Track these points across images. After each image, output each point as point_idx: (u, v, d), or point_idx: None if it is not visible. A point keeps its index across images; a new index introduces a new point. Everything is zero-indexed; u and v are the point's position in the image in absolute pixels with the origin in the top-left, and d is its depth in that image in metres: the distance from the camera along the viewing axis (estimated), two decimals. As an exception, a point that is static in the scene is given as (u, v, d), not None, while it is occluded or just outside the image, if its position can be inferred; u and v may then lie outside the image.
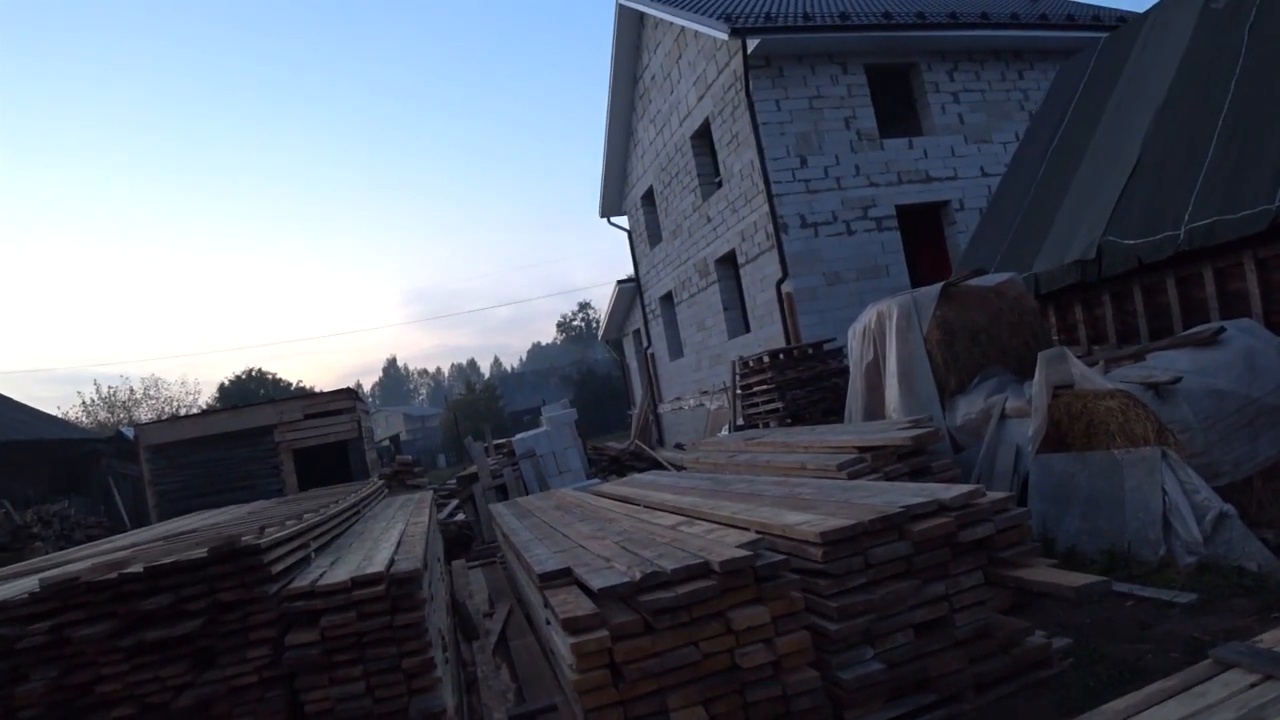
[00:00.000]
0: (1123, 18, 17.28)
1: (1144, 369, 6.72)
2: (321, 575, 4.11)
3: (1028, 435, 6.89)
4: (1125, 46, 10.87)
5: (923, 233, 16.05)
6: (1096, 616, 5.03)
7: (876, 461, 6.74)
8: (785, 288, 14.66)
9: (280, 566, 4.18)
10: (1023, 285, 9.01)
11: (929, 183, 15.58)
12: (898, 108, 16.58)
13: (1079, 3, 19.18)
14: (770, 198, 14.57)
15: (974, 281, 8.88)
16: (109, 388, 46.15)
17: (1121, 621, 4.91)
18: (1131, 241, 8.37)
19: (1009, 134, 15.91)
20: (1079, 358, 7.00)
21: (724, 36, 14.69)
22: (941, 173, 15.68)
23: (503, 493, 12.93)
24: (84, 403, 44.17)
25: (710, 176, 17.75)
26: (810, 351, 11.95)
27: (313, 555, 4.95)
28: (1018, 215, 11.01)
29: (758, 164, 14.73)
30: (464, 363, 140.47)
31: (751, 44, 14.35)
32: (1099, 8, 18.43)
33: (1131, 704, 2.48)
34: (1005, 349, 8.34)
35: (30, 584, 4.20)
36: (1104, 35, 12.97)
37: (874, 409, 9.06)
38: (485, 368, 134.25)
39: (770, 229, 14.73)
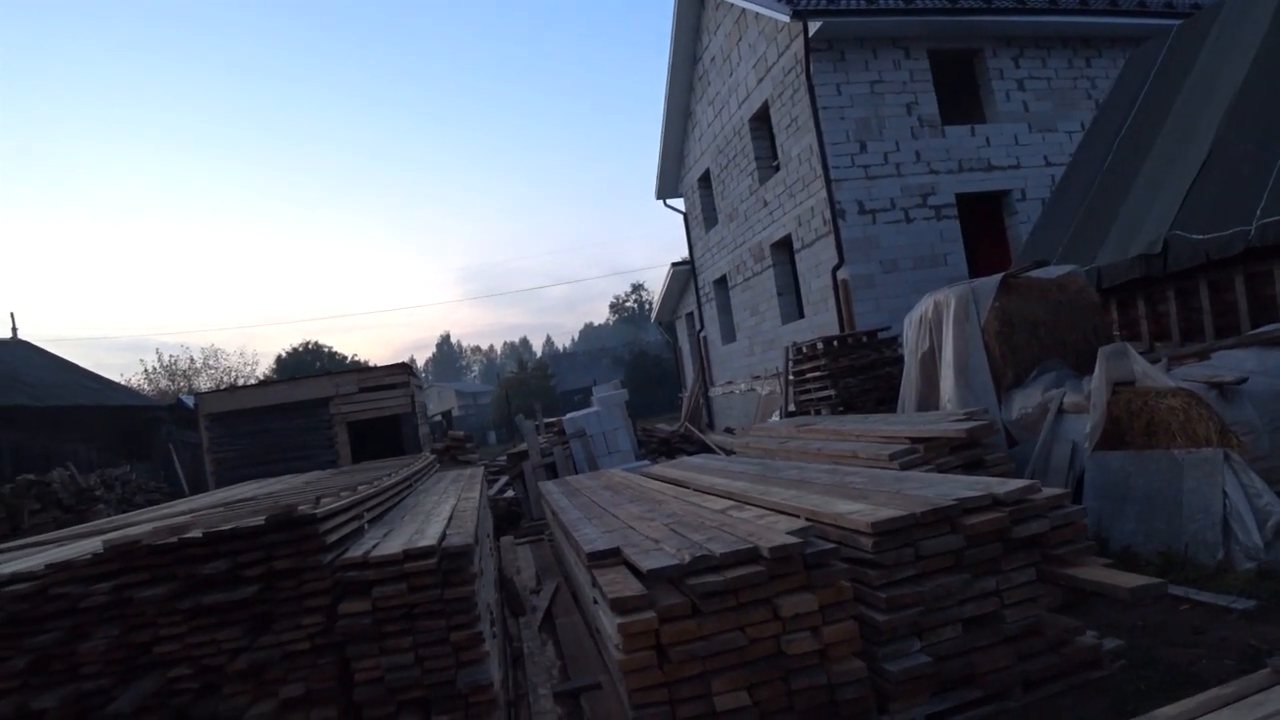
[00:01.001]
0: (1197, 5, 16.78)
1: (1208, 368, 6.59)
2: (375, 546, 4.19)
3: (1085, 431, 6.78)
4: (1199, 35, 10.58)
5: (982, 222, 15.80)
6: (1149, 619, 4.94)
7: (929, 453, 6.68)
8: (841, 274, 14.54)
9: (335, 537, 4.27)
10: (1085, 278, 8.85)
11: (990, 171, 15.32)
12: (961, 94, 16.30)
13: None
14: (828, 183, 14.43)
15: (1035, 273, 8.74)
16: (170, 356, 47.21)
17: (1175, 625, 4.82)
18: (1200, 236, 8.18)
19: (1074, 123, 15.57)
20: (1141, 354, 6.86)
21: (785, 19, 14.53)
22: (1004, 161, 15.40)
23: (552, 471, 13.03)
24: (146, 371, 45.21)
25: (768, 160, 17.62)
26: (864, 339, 11.85)
27: (366, 526, 5.05)
28: (1081, 207, 10.80)
29: (816, 148, 14.59)
30: (516, 341, 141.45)
31: (813, 26, 14.19)
32: (1174, -6, 17.92)
33: (1185, 710, 2.45)
34: (1064, 343, 8.20)
35: (94, 545, 4.33)
36: (1177, 23, 12.61)
37: (928, 399, 8.97)
38: (537, 346, 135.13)
39: (827, 214, 14.60)
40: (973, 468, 6.64)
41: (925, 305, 9.05)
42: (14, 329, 26.12)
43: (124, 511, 12.82)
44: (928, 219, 14.88)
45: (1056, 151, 15.44)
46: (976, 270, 14.47)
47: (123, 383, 31.42)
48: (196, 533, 4.02)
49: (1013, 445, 7.76)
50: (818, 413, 11.68)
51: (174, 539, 3.99)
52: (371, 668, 3.84)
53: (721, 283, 21.41)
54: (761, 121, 17.44)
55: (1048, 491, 4.64)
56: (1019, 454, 7.57)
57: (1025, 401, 7.79)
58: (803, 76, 14.64)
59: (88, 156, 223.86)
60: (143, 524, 5.42)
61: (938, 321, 8.73)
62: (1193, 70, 10.23)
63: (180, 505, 7.82)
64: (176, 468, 20.94)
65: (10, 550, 5.52)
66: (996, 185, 15.38)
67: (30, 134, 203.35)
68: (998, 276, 8.53)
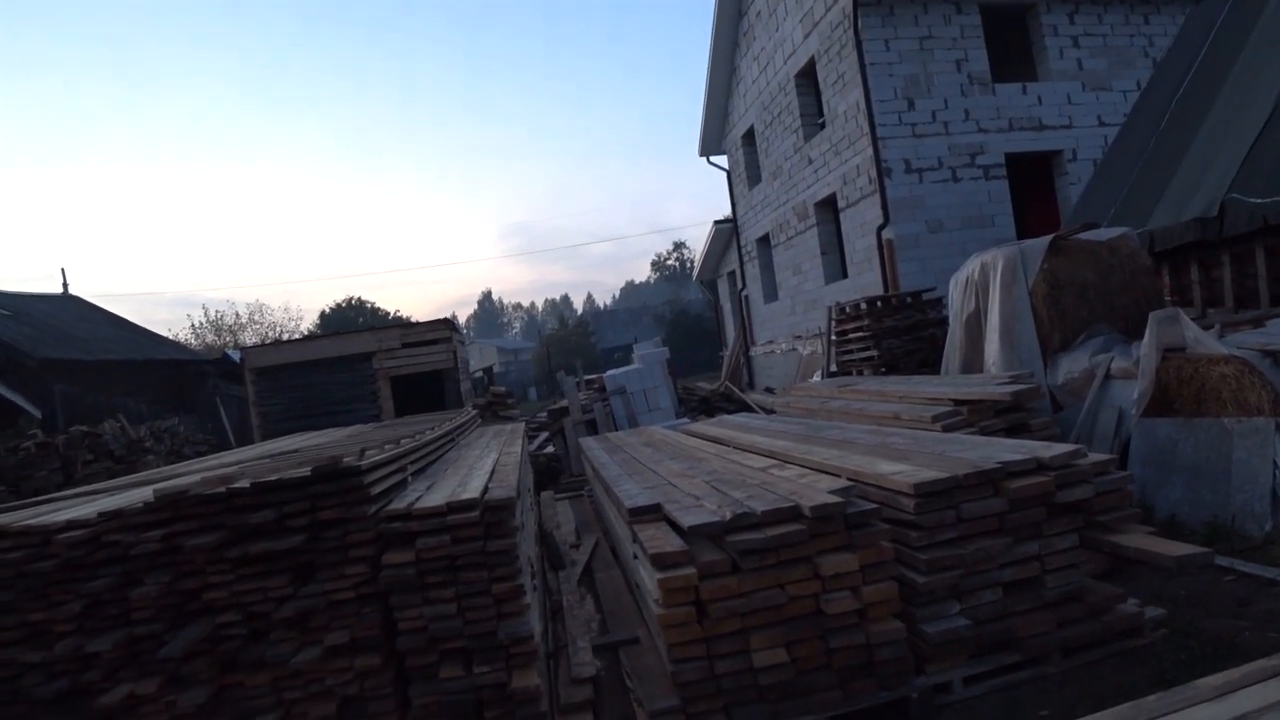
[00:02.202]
0: (1264, -41, 16.23)
1: (1263, 335, 6.44)
2: (418, 499, 4.25)
3: (1132, 398, 6.68)
4: (1265, -8, 10.22)
5: (1032, 183, 15.49)
6: (1193, 589, 4.88)
7: (972, 416, 6.61)
8: (886, 234, 14.35)
9: (379, 488, 4.33)
10: (1136, 241, 8.66)
11: (1041, 131, 14.98)
12: (1012, 51, 15.91)
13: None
14: (875, 141, 14.21)
15: (1085, 235, 8.57)
16: (216, 312, 47.77)
17: (1219, 596, 4.76)
18: (1258, 200, 7.96)
19: (1130, 82, 15.15)
20: (1193, 320, 6.72)
21: (835, -28, 14.27)
22: (1055, 121, 15.05)
23: (592, 427, 13.11)
24: (193, 325, 45.90)
25: (813, 117, 17.36)
26: (909, 300, 11.73)
27: (409, 479, 5.11)
28: (1135, 168, 10.55)
29: (863, 105, 14.36)
30: (558, 298, 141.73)
31: (863, -20, 13.91)
32: (1239, -52, 17.33)
33: (1228, 681, 2.41)
34: (1114, 307, 8.05)
35: (144, 494, 4.43)
36: (1243, -22, 12.21)
37: (972, 362, 8.87)
38: (579, 304, 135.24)
39: (873, 173, 14.39)
40: (1016, 432, 6.57)
41: (972, 266, 8.92)
42: (64, 285, 26.60)
43: (173, 463, 13.10)
44: (975, 179, 14.62)
45: (1110, 111, 15.05)
46: (1024, 232, 14.22)
47: (170, 338, 31.94)
48: (244, 483, 4.09)
49: (1057, 410, 7.66)
50: (860, 373, 11.60)
51: (222, 489, 4.06)
52: (414, 618, 3.90)
53: (764, 241, 21.24)
54: (807, 78, 17.17)
55: (1093, 457, 4.57)
56: (1064, 419, 7.48)
57: (1072, 366, 7.68)
58: (850, 31, 14.37)
59: (138, 111, 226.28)
60: (191, 474, 5.53)
61: (984, 283, 8.61)
62: (1256, 28, 9.89)
63: (228, 456, 7.97)
64: (223, 420, 21.33)
65: (64, 499, 5.67)
66: (1047, 145, 15.06)
67: (81, 90, 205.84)
68: (1047, 238, 8.38)
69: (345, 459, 4.20)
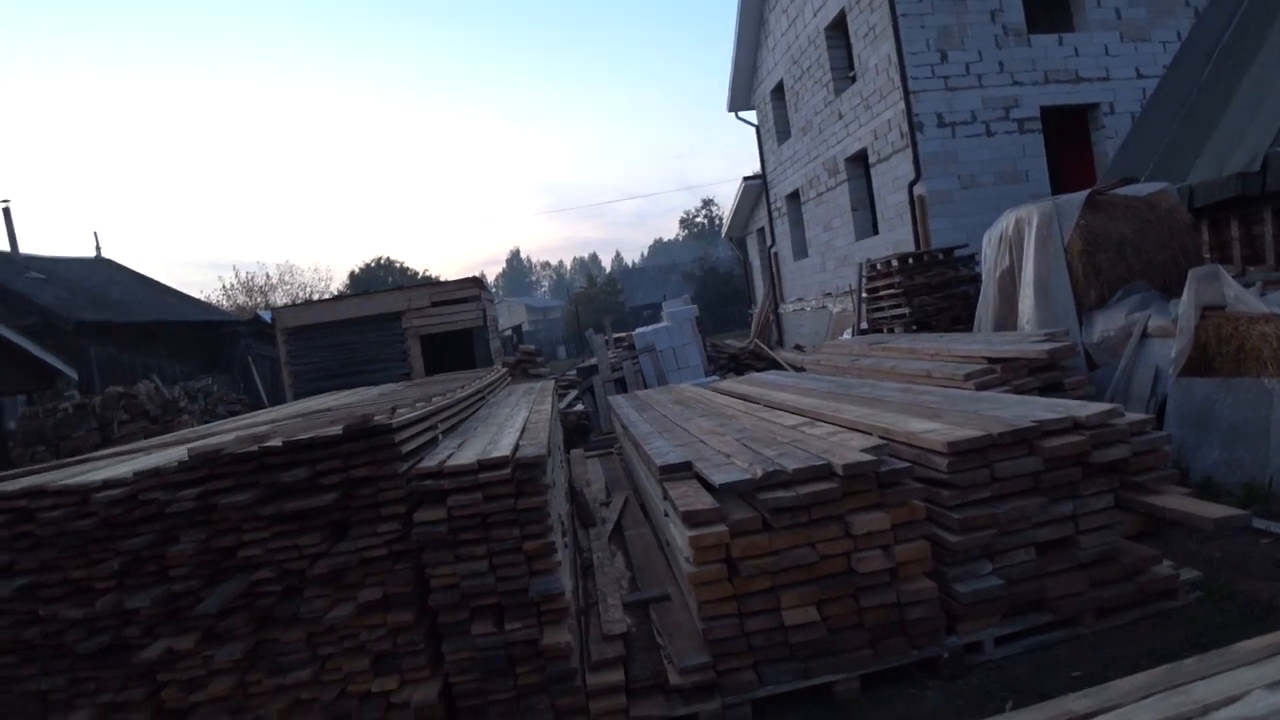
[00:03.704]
0: (1314, -97, 15.70)
1: (1306, 292, 6.31)
2: (449, 456, 4.26)
3: (1169, 357, 6.57)
4: (1315, -64, 9.89)
5: (1068, 137, 15.19)
6: (1229, 552, 4.83)
7: (1006, 373, 6.54)
8: (918, 190, 14.15)
9: (410, 446, 4.34)
10: (1175, 197, 8.48)
11: (1078, 83, 14.64)
12: (1049, 1, 15.55)
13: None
14: (906, 94, 13.95)
15: (1122, 190, 8.41)
16: (247, 273, 48.10)
17: (1256, 559, 4.71)
18: (1304, 153, 7.76)
19: (1170, 33, 14.74)
20: (1233, 278, 6.58)
21: (867, -78, 13.96)
22: (1092, 73, 14.70)
23: (621, 385, 13.11)
24: (224, 287, 46.27)
25: (844, 71, 17.07)
26: (941, 257, 11.58)
27: (440, 437, 5.13)
28: (1175, 121, 10.30)
29: (895, 58, 14.08)
30: (586, 256, 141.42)
31: (896, -71, 13.59)
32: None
33: (1266, 645, 2.36)
34: (1151, 264, 7.91)
35: (180, 453, 4.47)
36: (1291, -77, 11.82)
37: (1005, 319, 8.76)
38: (607, 262, 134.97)
39: (905, 128, 14.16)
40: (1051, 390, 6.49)
41: (1005, 222, 8.78)
42: (98, 248, 26.82)
43: (207, 422, 13.27)
44: (1010, 133, 14.34)
45: (1149, 63, 14.68)
46: (1060, 187, 13.95)
47: (202, 299, 32.18)
48: (277, 442, 4.12)
49: (1093, 369, 7.56)
50: (891, 331, 11.51)
51: (255, 448, 4.09)
52: (447, 574, 3.93)
53: (794, 198, 21.02)
54: (838, 30, 16.86)
55: (1130, 417, 4.51)
56: (1099, 378, 7.38)
57: (1108, 324, 7.56)
58: (883, -18, 14.08)
59: (168, 76, 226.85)
60: (225, 434, 5.58)
61: (1018, 239, 8.48)
62: (1304, -26, 9.60)
63: (261, 416, 8.04)
64: (255, 380, 21.53)
65: (101, 459, 5.75)
66: (1084, 98, 14.72)
67: (114, 52, 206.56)
68: (1083, 193, 8.23)
69: (376, 417, 4.21)
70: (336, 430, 4.09)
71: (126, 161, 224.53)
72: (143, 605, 3.99)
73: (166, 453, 5.09)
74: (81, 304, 19.52)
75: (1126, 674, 2.46)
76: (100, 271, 24.60)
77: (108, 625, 4.10)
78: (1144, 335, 7.13)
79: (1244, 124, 8.92)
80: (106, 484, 4.18)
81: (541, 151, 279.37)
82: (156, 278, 26.93)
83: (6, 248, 20.74)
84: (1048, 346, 6.63)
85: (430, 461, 4.18)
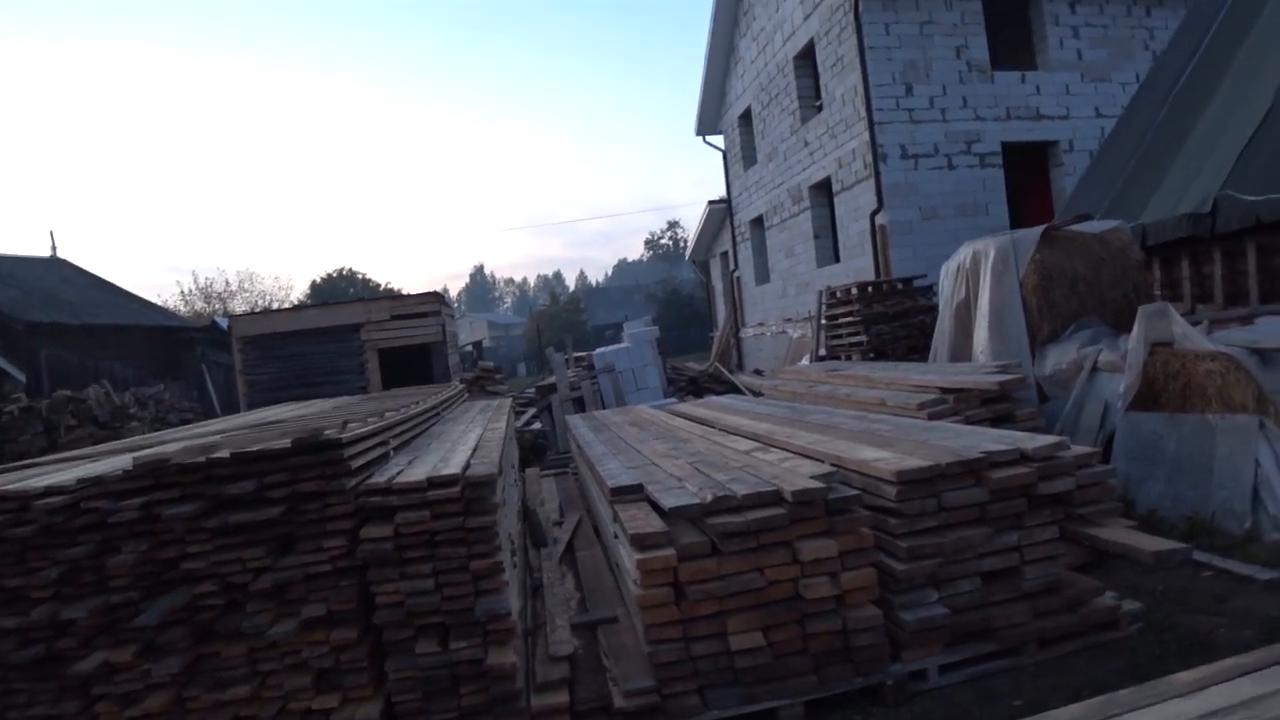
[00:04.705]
0: (1268, -45, 16.16)
1: (1251, 333, 6.45)
2: (399, 473, 4.23)
3: (1118, 391, 6.69)
4: (1267, -11, 10.17)
5: (1027, 173, 15.47)
6: (1170, 584, 4.91)
7: (959, 404, 6.62)
8: (879, 219, 14.32)
9: (360, 462, 4.30)
10: (1129, 235, 8.66)
11: (1039, 120, 14.94)
12: (1012, 39, 15.84)
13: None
14: (871, 125, 14.15)
15: (1078, 227, 8.56)
16: (206, 279, 47.45)
17: (1196, 592, 4.78)
18: (1252, 198, 7.95)
19: (1129, 75, 15.11)
20: (1182, 316, 6.72)
21: (837, -46, 14.17)
22: (1053, 111, 15.01)
23: (580, 405, 13.10)
24: (182, 292, 45.71)
25: (811, 100, 17.27)
26: (900, 286, 11.73)
27: (391, 453, 5.09)
28: (1130, 161, 10.53)
29: (861, 89, 14.28)
30: (550, 274, 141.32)
31: (866, -37, 13.81)
32: (1243, -58, 17.23)
33: (1201, 677, 2.41)
34: (1104, 300, 8.06)
35: (125, 462, 4.39)
36: (1245, -27, 12.16)
37: (961, 350, 8.88)
38: (571, 280, 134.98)
39: (869, 158, 14.34)
40: (1002, 421, 6.57)
41: (964, 254, 8.91)
42: (53, 247, 26.39)
43: (157, 430, 13.06)
44: (971, 167, 14.58)
45: (1108, 103, 15.02)
46: (1018, 222, 14.19)
47: (159, 303, 31.73)
48: (224, 453, 4.06)
49: (1044, 401, 7.67)
50: (848, 358, 11.61)
51: (203, 458, 4.03)
52: (392, 592, 3.89)
53: (758, 223, 21.19)
54: (806, 59, 17.08)
55: (1076, 449, 4.59)
56: (1050, 410, 7.49)
57: (1060, 357, 7.69)
58: (851, 14, 14.28)
59: (132, 73, 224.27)
60: (174, 443, 5.50)
61: (975, 271, 8.60)
62: (1256, 26, 9.85)
63: (211, 425, 7.94)
64: (209, 388, 21.23)
65: (45, 464, 5.63)
66: (1044, 135, 15.03)
67: (78, 49, 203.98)
68: (1039, 228, 8.37)
69: (326, 431, 4.17)
70: (285, 443, 4.04)
71: (86, 160, 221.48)
72: (80, 616, 3.89)
73: (112, 460, 5.00)
74: (34, 304, 19.18)
75: (1066, 703, 2.49)
76: (55, 271, 24.19)
77: (42, 636, 3.99)
78: (1094, 369, 7.25)
79: (1196, 167, 9.13)
80: (49, 491, 4.10)
81: (511, 167, 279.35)
82: (113, 280, 26.48)
83: (-43, 245, 20.33)
84: (1000, 378, 6.72)
85: (380, 478, 4.14)
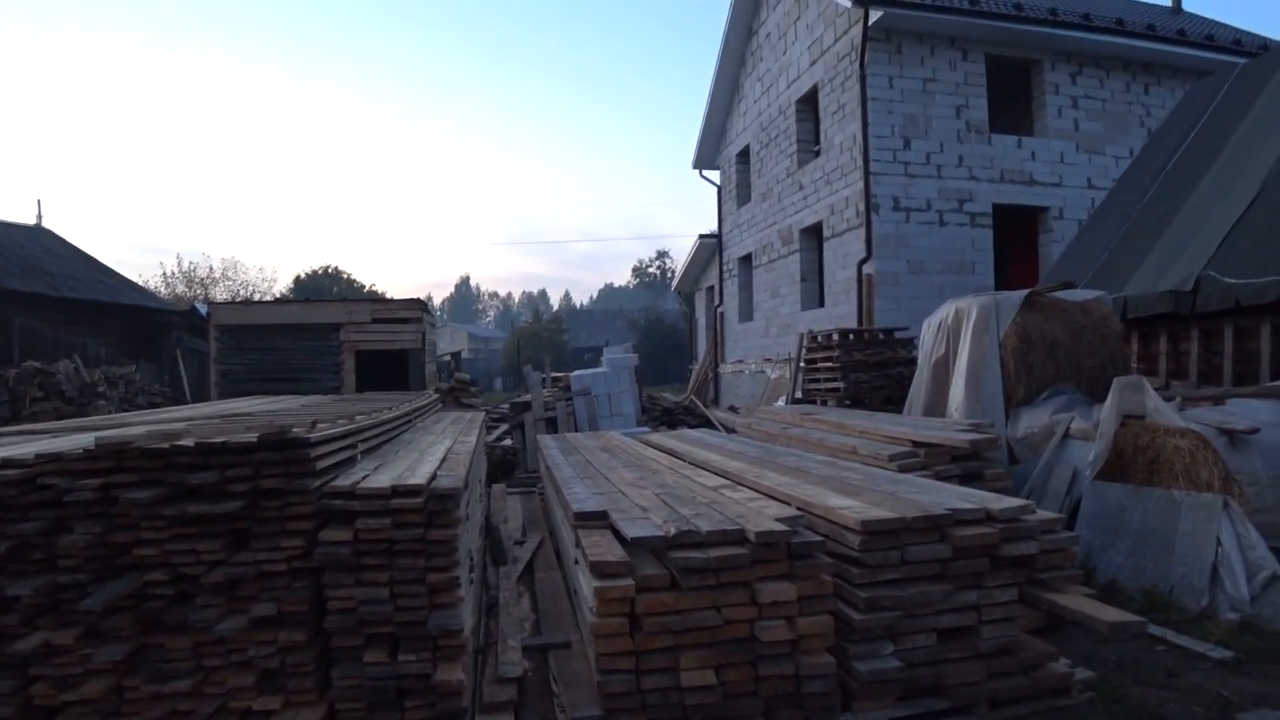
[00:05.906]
0: (1265, 45, 16.49)
1: (1222, 413, 6.52)
2: (364, 478, 4.18)
3: (1088, 459, 6.73)
4: (1263, 76, 10.39)
5: (1016, 235, 15.66)
6: (1124, 656, 4.93)
7: (929, 458, 6.63)
8: (867, 268, 14.43)
9: (326, 463, 4.25)
10: (1110, 306, 8.76)
11: (1031, 185, 15.15)
12: (1012, 104, 16.08)
13: (1221, 23, 18.33)
14: (867, 175, 14.30)
15: (1061, 294, 8.65)
16: (190, 263, 47.04)
17: (1149, 665, 4.81)
18: (1233, 280, 8.07)
19: (1123, 148, 15.37)
20: (1156, 390, 6.79)
21: (847, 4, 14.35)
22: (1046, 177, 15.23)
23: (552, 425, 13.05)
24: (165, 274, 45.30)
25: (810, 144, 17.44)
26: (881, 336, 11.79)
27: (359, 457, 5.04)
28: (1118, 234, 10.67)
29: (860, 139, 14.44)
30: (535, 291, 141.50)
31: (874, 15, 14.00)
32: (1241, 31, 17.58)
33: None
34: (1081, 368, 8.13)
35: (87, 440, 4.32)
36: (1242, 61, 12.40)
37: (936, 405, 8.92)
38: (555, 300, 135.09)
39: (861, 207, 14.48)
40: (970, 479, 6.59)
41: (946, 311, 8.97)
42: (39, 216, 26.17)
43: (124, 410, 12.91)
44: (961, 224, 14.75)
45: (1101, 174, 15.25)
46: (1004, 283, 14.35)
47: (140, 283, 31.46)
48: (189, 441, 4.01)
49: (1014, 463, 7.72)
50: (824, 403, 11.64)
51: (166, 444, 3.98)
52: (346, 598, 3.83)
53: (746, 260, 21.30)
54: (808, 104, 17.25)
55: (1042, 514, 4.59)
56: (1019, 472, 7.53)
57: (1033, 421, 7.74)
58: (856, 64, 14.46)
59: (136, 52, 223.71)
60: (139, 426, 5.43)
61: (957, 328, 8.66)
62: (1251, 111, 10.05)
63: (180, 412, 7.85)
64: (182, 374, 21.04)
65: (5, 436, 5.55)
66: (1036, 200, 15.23)
67: (74, 13, 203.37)
68: (1023, 292, 8.46)
69: (294, 429, 4.13)
70: (251, 438, 3.99)
71: (80, 132, 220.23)
72: (24, 594, 3.81)
73: (74, 438, 4.92)
74: (12, 271, 18.98)
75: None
76: (38, 241, 23.95)
77: (-17, 611, 3.92)
78: (1066, 435, 7.30)
79: (1181, 245, 9.26)
80: (5, 463, 4.02)
81: (505, 181, 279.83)
82: (97, 255, 26.26)
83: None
84: (972, 437, 6.75)
85: (344, 481, 4.10)
